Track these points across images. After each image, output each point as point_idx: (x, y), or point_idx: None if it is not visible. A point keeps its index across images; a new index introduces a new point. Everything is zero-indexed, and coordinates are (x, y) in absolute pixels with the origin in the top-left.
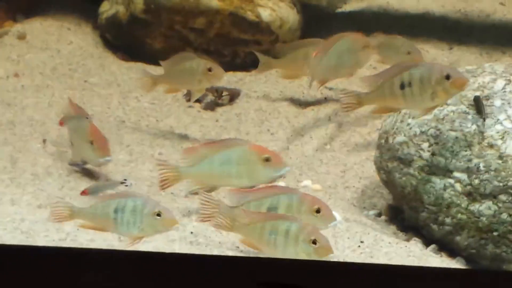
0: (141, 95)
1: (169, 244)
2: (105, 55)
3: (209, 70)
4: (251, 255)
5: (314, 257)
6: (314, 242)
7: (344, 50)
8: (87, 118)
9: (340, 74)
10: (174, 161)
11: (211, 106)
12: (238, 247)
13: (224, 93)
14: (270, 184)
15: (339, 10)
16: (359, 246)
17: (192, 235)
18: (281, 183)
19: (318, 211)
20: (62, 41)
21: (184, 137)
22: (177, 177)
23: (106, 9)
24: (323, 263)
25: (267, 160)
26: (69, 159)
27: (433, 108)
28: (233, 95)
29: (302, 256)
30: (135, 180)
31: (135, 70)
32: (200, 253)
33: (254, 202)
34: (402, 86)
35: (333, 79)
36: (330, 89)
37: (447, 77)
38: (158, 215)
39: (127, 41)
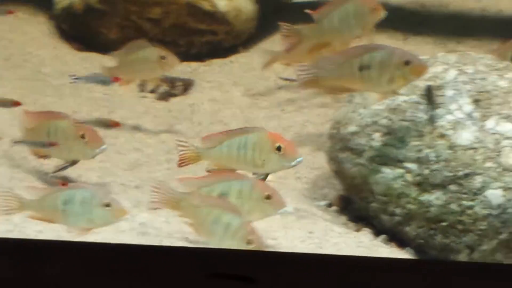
0: (94, 86)
1: (118, 235)
2: (59, 45)
3: (163, 58)
4: (201, 246)
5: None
6: (249, 242)
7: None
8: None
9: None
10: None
11: (165, 97)
12: (187, 238)
13: (178, 83)
14: (221, 170)
15: (295, 0)
16: (308, 236)
17: (141, 226)
18: None
19: (268, 197)
20: (16, 31)
21: (136, 127)
22: (196, 157)
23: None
24: (272, 254)
25: (278, 149)
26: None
27: (389, 93)
28: (187, 85)
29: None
30: (85, 171)
31: (90, 61)
32: (149, 243)
33: (205, 188)
34: (361, 68)
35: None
36: (286, 79)
37: (407, 63)
38: (108, 206)
39: (82, 31)
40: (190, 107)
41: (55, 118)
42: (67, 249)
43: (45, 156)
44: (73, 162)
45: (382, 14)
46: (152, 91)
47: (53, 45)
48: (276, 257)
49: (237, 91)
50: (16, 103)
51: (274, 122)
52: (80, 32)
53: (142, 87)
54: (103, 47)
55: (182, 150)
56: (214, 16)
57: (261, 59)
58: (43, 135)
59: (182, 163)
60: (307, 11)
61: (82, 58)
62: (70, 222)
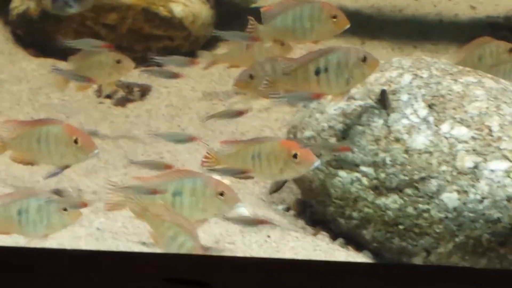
0: (51, 92)
1: (75, 240)
2: (15, 51)
3: (118, 62)
4: (157, 251)
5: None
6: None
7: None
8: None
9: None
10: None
11: (122, 102)
12: (144, 243)
13: (135, 89)
14: (175, 169)
15: (253, 5)
16: (265, 240)
17: (98, 232)
18: None
19: (222, 193)
20: None
21: (93, 133)
22: (217, 162)
23: (17, 5)
24: (226, 258)
25: (295, 157)
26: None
27: (347, 91)
28: (144, 91)
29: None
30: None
31: (46, 66)
32: (106, 249)
33: (160, 187)
34: (317, 72)
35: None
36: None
37: (364, 60)
38: (65, 210)
39: (39, 37)
40: (148, 112)
41: (47, 124)
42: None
43: (31, 163)
44: (65, 167)
45: (345, 24)
46: (109, 97)
47: (9, 51)
48: (229, 262)
49: (195, 96)
50: None
51: (232, 127)
52: (36, 37)
53: (99, 92)
54: (59, 53)
55: (207, 155)
56: (170, 22)
57: (203, 60)
58: (34, 141)
59: (205, 164)
60: (261, 9)
61: (38, 64)
62: (27, 231)
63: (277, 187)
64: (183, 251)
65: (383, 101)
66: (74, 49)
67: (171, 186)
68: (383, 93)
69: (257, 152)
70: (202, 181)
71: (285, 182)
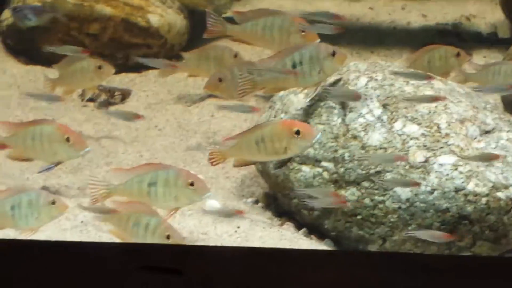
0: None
1: (61, 233)
2: (6, 59)
3: (99, 67)
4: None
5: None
6: (168, 237)
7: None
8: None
9: None
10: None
11: (104, 105)
12: None
13: (116, 93)
14: (146, 164)
15: (224, 15)
16: (235, 231)
17: (82, 224)
18: None
19: (192, 184)
20: None
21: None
22: (223, 156)
23: (7, 17)
24: (200, 248)
25: (297, 133)
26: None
27: (319, 82)
28: (125, 95)
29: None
30: (31, 174)
31: (34, 73)
32: (90, 240)
33: (136, 178)
34: (293, 66)
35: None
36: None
37: (333, 54)
38: (53, 203)
39: (27, 46)
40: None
41: (41, 123)
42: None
43: (26, 159)
44: (58, 163)
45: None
46: (92, 100)
47: (0, 60)
48: (202, 250)
49: (171, 99)
50: None
51: (205, 126)
52: (25, 47)
53: (83, 96)
54: (47, 61)
55: (211, 152)
56: (148, 31)
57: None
58: (28, 140)
59: (213, 162)
60: (234, 11)
61: (27, 71)
62: (19, 225)
63: (282, 163)
64: (151, 231)
65: (342, 102)
66: (59, 57)
67: (147, 177)
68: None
69: (260, 137)
70: (174, 173)
71: (290, 159)
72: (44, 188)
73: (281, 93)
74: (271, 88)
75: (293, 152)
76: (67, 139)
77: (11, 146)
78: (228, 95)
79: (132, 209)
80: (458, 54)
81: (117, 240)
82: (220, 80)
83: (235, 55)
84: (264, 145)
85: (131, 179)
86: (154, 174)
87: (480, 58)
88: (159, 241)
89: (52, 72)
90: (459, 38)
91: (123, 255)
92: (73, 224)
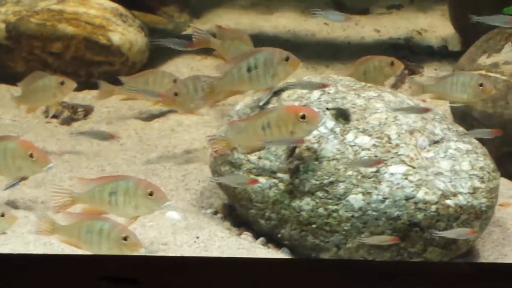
0: (3, 113)
1: (25, 246)
2: None
3: (61, 83)
4: (96, 254)
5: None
6: (125, 238)
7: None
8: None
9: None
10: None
11: (68, 121)
12: None
13: (79, 109)
14: (109, 175)
15: (184, 32)
16: (195, 241)
17: (46, 237)
18: None
19: (151, 193)
20: None
21: (42, 149)
22: (228, 144)
23: None
24: (161, 258)
25: (303, 117)
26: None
27: (274, 86)
28: (87, 111)
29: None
30: None
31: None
32: (53, 253)
33: (98, 187)
34: (248, 69)
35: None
36: None
37: (287, 59)
38: (2, 215)
39: None
40: (90, 130)
41: (3, 140)
42: None
43: None
44: (23, 178)
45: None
46: (56, 117)
47: None
48: (158, 261)
49: (132, 114)
50: None
51: (165, 140)
52: None
53: (46, 113)
54: (11, 79)
55: (213, 142)
56: (109, 49)
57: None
58: None
59: (217, 152)
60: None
61: None
62: None
63: (291, 152)
64: (106, 236)
65: None
66: (24, 75)
67: (108, 187)
68: None
69: (266, 123)
70: (134, 183)
71: (295, 147)
72: (8, 203)
73: (238, 106)
74: (227, 92)
75: (299, 136)
76: (31, 155)
77: None
78: (184, 109)
79: (83, 218)
80: (392, 63)
81: (77, 252)
82: (175, 94)
83: (174, 80)
84: (270, 130)
85: (93, 188)
86: (115, 183)
87: (431, 70)
88: (115, 244)
89: (17, 91)
90: (411, 51)
91: (83, 267)
92: (36, 237)
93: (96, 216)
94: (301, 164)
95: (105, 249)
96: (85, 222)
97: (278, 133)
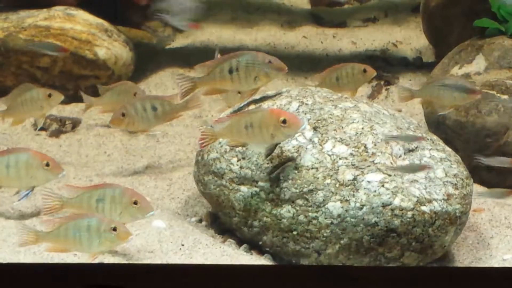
0: None
1: (15, 254)
2: None
3: (49, 95)
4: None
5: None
6: (115, 229)
7: None
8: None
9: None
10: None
11: (56, 133)
12: (76, 255)
13: (67, 122)
14: (98, 183)
15: (168, 46)
16: (180, 248)
17: (35, 246)
18: None
19: (136, 203)
20: None
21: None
22: (214, 136)
23: None
24: (145, 266)
25: (284, 122)
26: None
27: (256, 89)
28: (75, 123)
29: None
30: None
31: None
32: (43, 262)
33: (86, 194)
34: (230, 71)
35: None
36: None
37: (270, 62)
38: None
39: None
40: (78, 141)
41: (13, 152)
42: None
43: None
44: (33, 188)
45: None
46: (44, 129)
47: None
48: (144, 268)
49: None
50: None
51: (151, 151)
52: None
53: (35, 126)
54: (1, 93)
55: (202, 132)
56: (96, 63)
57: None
58: (2, 168)
59: (204, 143)
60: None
61: None
62: None
63: (270, 151)
64: (95, 233)
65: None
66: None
67: (96, 194)
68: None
69: (249, 122)
70: (120, 191)
71: (276, 145)
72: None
73: (222, 115)
74: (209, 89)
75: (278, 139)
76: (47, 164)
77: None
78: (133, 128)
79: (67, 219)
80: (364, 70)
81: (68, 260)
82: (123, 115)
83: (135, 94)
84: (252, 130)
85: (81, 194)
86: (103, 191)
87: (407, 81)
88: (105, 236)
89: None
90: (387, 63)
91: (70, 275)
92: (26, 247)
93: (77, 215)
94: (281, 173)
95: (96, 245)
96: (70, 222)
97: (259, 133)
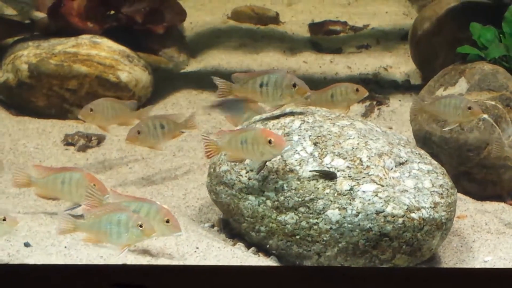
0: (28, 142)
1: (48, 257)
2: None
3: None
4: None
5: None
6: (141, 225)
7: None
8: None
9: None
10: None
11: (83, 148)
12: (102, 257)
13: (93, 138)
14: (138, 196)
15: (183, 70)
16: (195, 251)
17: (65, 249)
18: None
19: (168, 221)
20: None
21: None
22: (217, 149)
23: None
24: (166, 267)
25: (270, 142)
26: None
27: (280, 106)
28: (100, 139)
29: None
30: (22, 208)
31: (23, 123)
32: (72, 263)
33: (125, 203)
34: (261, 85)
35: None
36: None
37: (294, 85)
38: (4, 220)
39: (17, 100)
40: (103, 155)
41: (69, 171)
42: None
43: (53, 198)
44: (79, 204)
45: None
46: (73, 145)
47: None
48: (163, 268)
49: None
50: None
51: (168, 164)
52: (15, 101)
53: (65, 141)
54: (34, 112)
55: (206, 144)
56: (118, 85)
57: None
58: (58, 184)
59: (209, 155)
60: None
61: (17, 121)
62: None
63: (260, 168)
64: (124, 227)
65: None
66: (47, 109)
67: (132, 205)
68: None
69: (244, 139)
70: (156, 208)
71: (265, 162)
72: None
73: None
74: (244, 96)
75: (266, 157)
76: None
77: (37, 186)
78: (148, 145)
79: (104, 210)
80: (357, 90)
81: (95, 262)
82: (138, 132)
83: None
84: (246, 146)
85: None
86: (140, 204)
87: (396, 101)
88: (133, 231)
89: (38, 123)
90: (379, 85)
91: (97, 275)
92: (57, 250)
93: (111, 209)
94: (285, 183)
95: (124, 238)
96: (103, 216)
97: (251, 150)
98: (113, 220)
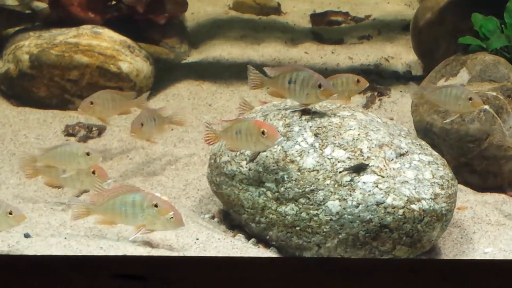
0: (29, 133)
1: (48, 247)
2: (0, 102)
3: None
4: (109, 254)
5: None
6: (156, 205)
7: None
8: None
9: None
10: None
11: (84, 139)
12: (102, 248)
13: (94, 129)
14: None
15: (184, 61)
16: (195, 242)
17: (66, 240)
18: None
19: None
20: None
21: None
22: (216, 137)
23: (0, 67)
24: (166, 258)
25: (263, 133)
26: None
27: (307, 104)
28: (101, 130)
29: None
30: (22, 199)
31: (24, 113)
32: (72, 254)
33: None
34: (289, 81)
35: None
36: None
37: (320, 86)
38: (10, 213)
39: (18, 90)
40: (104, 146)
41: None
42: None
43: (58, 187)
44: (85, 191)
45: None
46: (73, 135)
47: None
48: (163, 260)
49: None
50: None
51: (169, 155)
52: (16, 91)
53: (66, 132)
54: (35, 103)
55: (207, 132)
56: (119, 76)
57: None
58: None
59: (209, 142)
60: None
61: (18, 112)
62: None
63: (253, 158)
64: (139, 208)
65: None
66: (48, 99)
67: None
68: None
69: (239, 129)
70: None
71: (258, 153)
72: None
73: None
74: (272, 91)
75: (259, 148)
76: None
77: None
78: (150, 137)
79: (116, 191)
80: (358, 81)
81: (96, 253)
82: (142, 125)
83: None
84: (240, 136)
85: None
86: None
87: (397, 92)
88: (148, 212)
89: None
90: (380, 76)
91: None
92: (58, 241)
93: (122, 191)
94: (285, 174)
95: (140, 219)
96: (117, 197)
97: (245, 140)
98: (127, 201)
